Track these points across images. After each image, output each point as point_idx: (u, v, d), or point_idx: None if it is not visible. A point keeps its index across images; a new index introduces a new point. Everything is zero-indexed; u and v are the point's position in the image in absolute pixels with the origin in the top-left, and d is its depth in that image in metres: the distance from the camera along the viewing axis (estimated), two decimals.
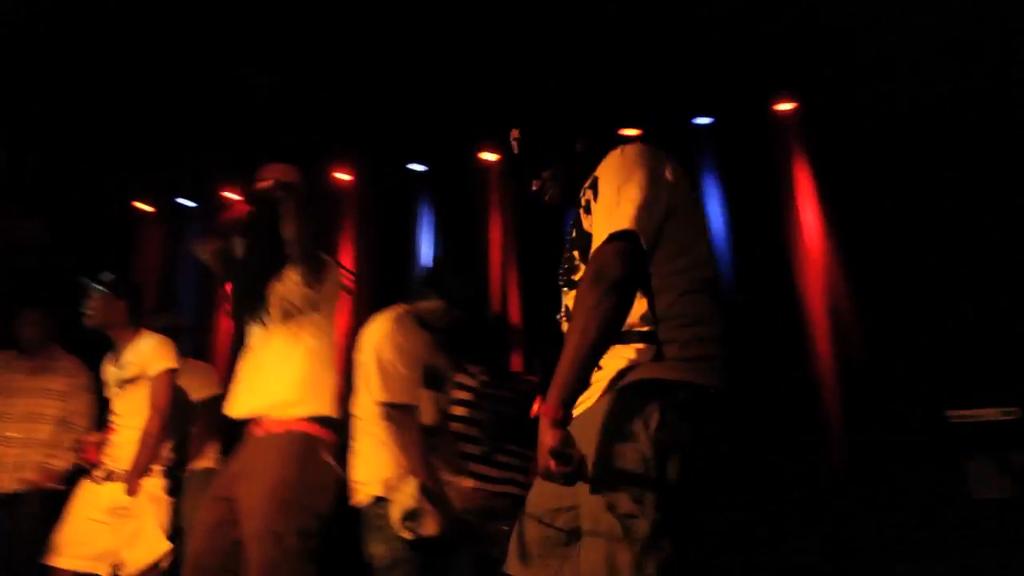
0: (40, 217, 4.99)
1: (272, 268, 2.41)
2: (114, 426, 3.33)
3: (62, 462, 3.74)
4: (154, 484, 3.26)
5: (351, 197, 5.27)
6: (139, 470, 3.18)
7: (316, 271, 2.39)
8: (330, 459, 2.34)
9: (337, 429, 2.41)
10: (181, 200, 5.66)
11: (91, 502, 3.21)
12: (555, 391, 1.47)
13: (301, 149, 4.89)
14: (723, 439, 1.59)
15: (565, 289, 1.77)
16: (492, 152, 4.93)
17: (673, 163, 1.69)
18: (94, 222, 5.41)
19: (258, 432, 2.35)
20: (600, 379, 1.60)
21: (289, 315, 2.38)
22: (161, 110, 4.60)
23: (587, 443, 1.51)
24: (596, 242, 1.56)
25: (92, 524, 3.18)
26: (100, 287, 3.30)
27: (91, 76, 4.27)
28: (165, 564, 3.21)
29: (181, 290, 5.53)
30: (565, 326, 1.72)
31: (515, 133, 1.95)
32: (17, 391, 3.78)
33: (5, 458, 3.69)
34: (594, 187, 1.66)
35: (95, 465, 3.27)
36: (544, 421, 1.46)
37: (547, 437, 1.44)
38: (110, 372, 3.40)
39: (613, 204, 1.58)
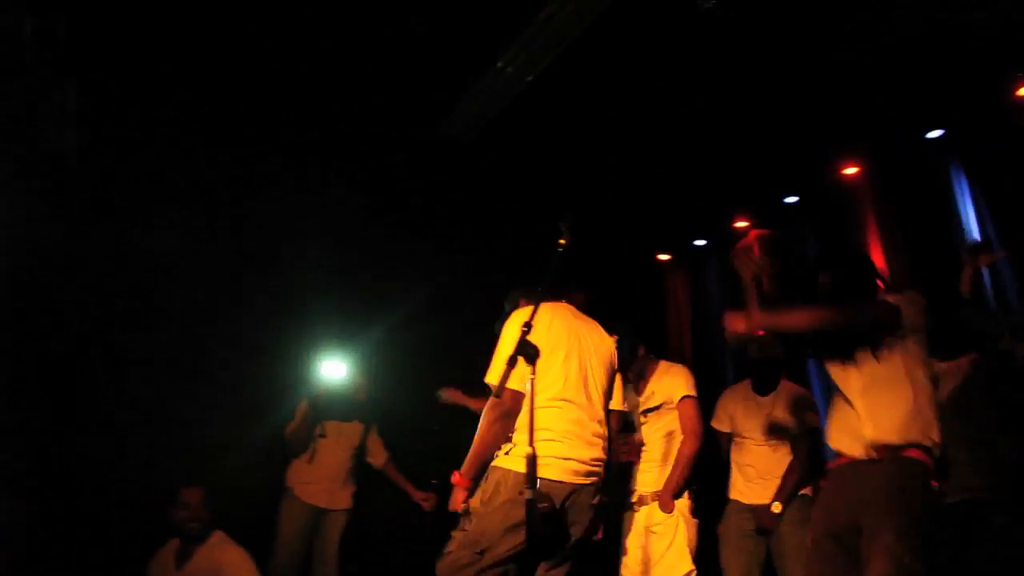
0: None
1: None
2: (642, 456, 3.49)
3: None
4: (684, 504, 3.30)
5: (864, 191, 4.70)
6: (673, 490, 3.26)
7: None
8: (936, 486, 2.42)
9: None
10: (697, 242, 5.84)
11: (634, 527, 3.38)
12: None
13: (802, 160, 4.73)
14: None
15: None
16: None
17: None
18: (626, 280, 5.89)
19: (866, 463, 2.47)
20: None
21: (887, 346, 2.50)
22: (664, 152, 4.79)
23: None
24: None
25: (638, 549, 3.34)
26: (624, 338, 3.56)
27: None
28: None
29: (716, 328, 5.64)
30: None
31: None
32: None
33: None
34: None
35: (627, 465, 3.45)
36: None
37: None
38: (631, 400, 3.57)
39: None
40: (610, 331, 3.54)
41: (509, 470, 2.42)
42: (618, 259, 5.65)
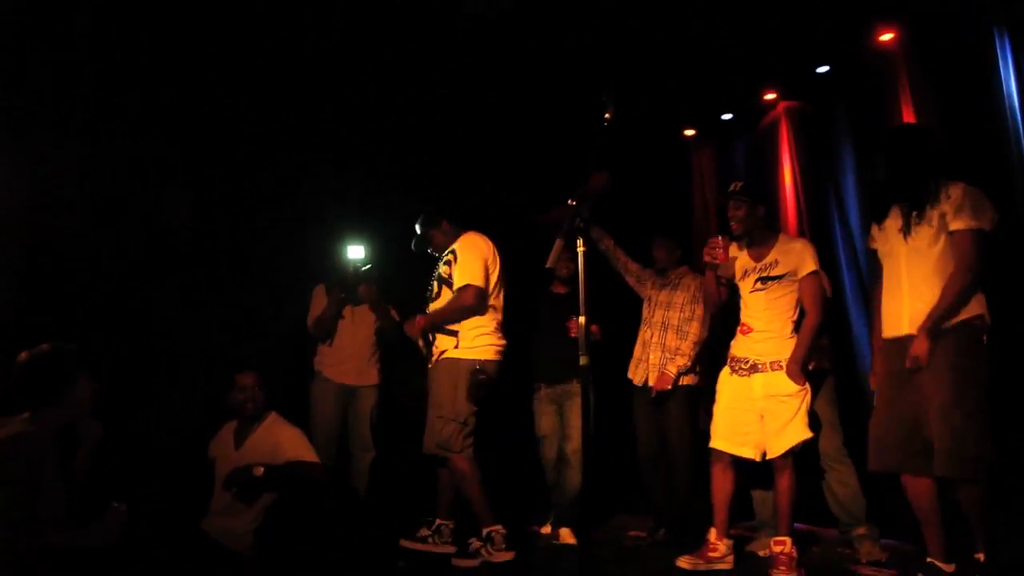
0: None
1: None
2: (749, 324, 3.58)
3: (674, 368, 4.18)
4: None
5: (898, 61, 4.56)
6: (800, 360, 3.39)
7: None
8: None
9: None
10: (724, 116, 5.73)
11: (742, 393, 3.53)
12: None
13: (834, 26, 4.55)
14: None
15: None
16: None
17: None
18: (649, 159, 5.83)
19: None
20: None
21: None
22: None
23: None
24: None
25: (746, 413, 3.49)
26: (740, 197, 3.58)
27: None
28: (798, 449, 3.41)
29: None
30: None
31: None
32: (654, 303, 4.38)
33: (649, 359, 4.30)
34: None
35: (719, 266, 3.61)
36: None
37: None
38: (746, 263, 3.64)
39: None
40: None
41: (460, 359, 3.69)
42: (644, 134, 5.57)
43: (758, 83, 5.31)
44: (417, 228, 4.07)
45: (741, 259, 3.66)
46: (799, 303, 3.51)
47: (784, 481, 3.44)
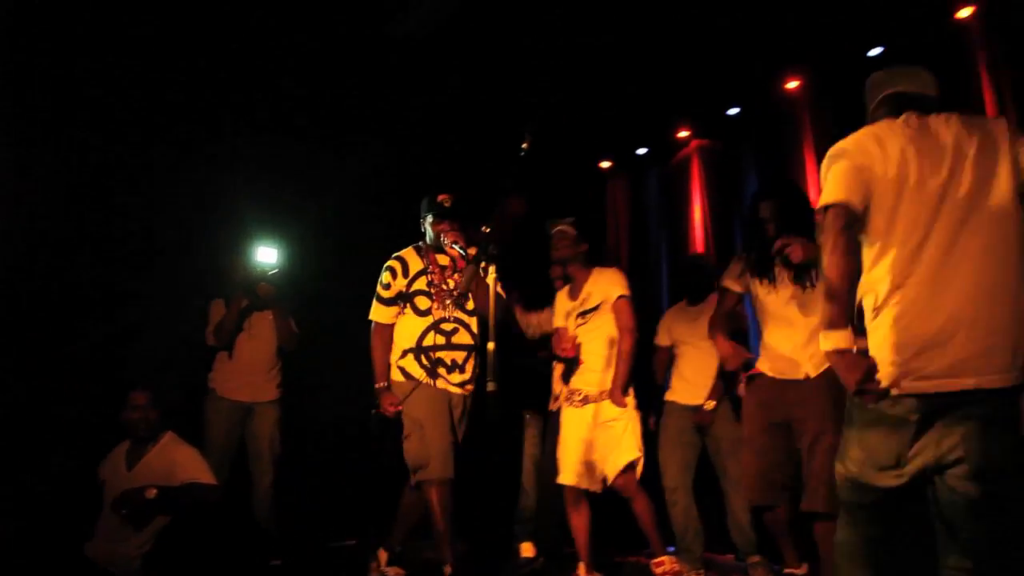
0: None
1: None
2: (580, 357, 3.65)
3: None
4: (631, 400, 3.53)
5: (803, 105, 4.81)
6: (621, 385, 3.47)
7: None
8: None
9: None
10: (639, 150, 5.89)
11: (579, 425, 3.57)
12: None
13: (746, 72, 4.77)
14: None
15: None
16: (968, 6, 4.00)
17: None
18: (565, 188, 5.93)
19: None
20: None
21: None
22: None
23: None
24: None
25: (583, 444, 3.55)
26: (564, 232, 3.69)
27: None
28: (639, 470, 3.45)
29: (651, 234, 5.82)
30: None
31: None
32: None
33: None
34: None
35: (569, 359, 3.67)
36: None
37: None
38: (566, 305, 3.75)
39: None
40: (553, 225, 3.75)
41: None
42: (561, 164, 5.66)
43: (672, 121, 5.50)
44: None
45: (561, 303, 3.79)
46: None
47: (637, 505, 3.53)
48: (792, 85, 4.84)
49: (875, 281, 1.95)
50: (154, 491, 3.26)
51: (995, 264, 1.86)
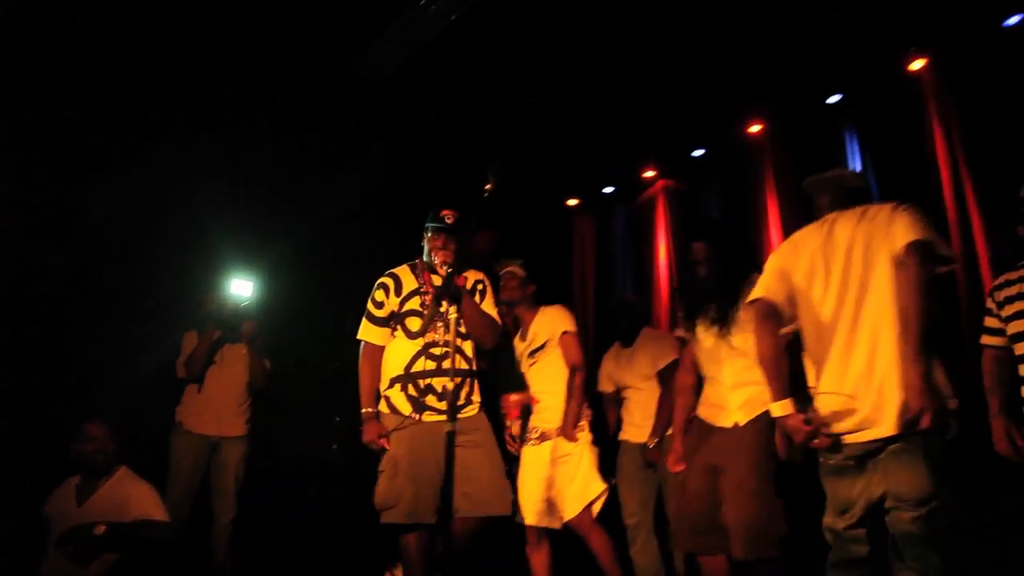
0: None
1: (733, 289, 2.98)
2: (536, 395, 3.65)
3: None
4: (585, 435, 3.53)
5: (764, 149, 4.94)
6: (572, 420, 3.47)
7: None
8: None
9: None
10: (606, 189, 5.98)
11: (537, 462, 3.56)
12: None
13: (710, 115, 4.89)
14: None
15: None
16: (920, 58, 4.16)
17: None
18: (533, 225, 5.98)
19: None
20: None
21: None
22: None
23: None
24: None
25: (542, 482, 3.53)
26: (513, 273, 3.75)
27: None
28: (596, 506, 3.42)
29: (616, 272, 5.88)
30: None
31: None
32: None
33: None
34: None
35: (515, 421, 3.67)
36: None
37: None
38: (519, 347, 3.77)
39: None
40: (502, 266, 3.76)
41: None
42: (528, 201, 5.72)
43: (639, 161, 5.59)
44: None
45: (516, 346, 3.81)
46: None
47: (594, 542, 3.50)
48: (755, 129, 4.96)
49: (807, 362, 2.49)
50: (103, 527, 3.14)
51: (886, 340, 2.27)
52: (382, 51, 4.14)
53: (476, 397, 3.25)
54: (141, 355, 4.48)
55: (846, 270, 2.37)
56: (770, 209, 4.82)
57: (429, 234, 3.29)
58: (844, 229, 2.42)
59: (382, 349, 3.26)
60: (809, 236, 2.53)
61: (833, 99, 4.53)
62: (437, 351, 3.18)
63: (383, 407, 3.21)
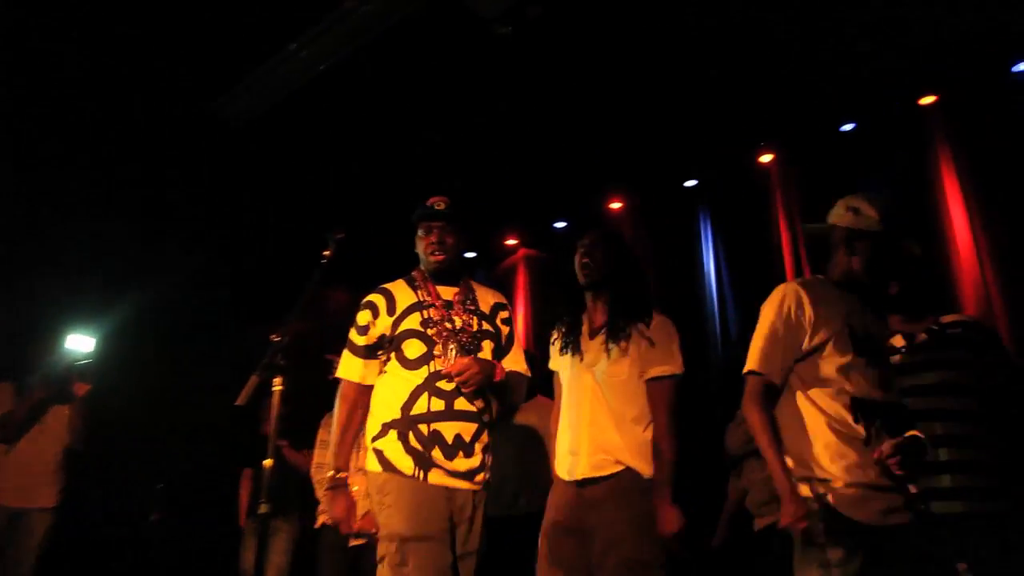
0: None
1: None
2: None
3: None
4: None
5: (625, 223, 5.10)
6: None
7: None
8: None
9: None
10: (467, 254, 5.93)
11: None
12: None
13: (574, 190, 5.01)
14: None
15: None
16: (769, 153, 4.49)
17: None
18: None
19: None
20: None
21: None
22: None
23: None
24: None
25: None
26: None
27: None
28: None
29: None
30: None
31: None
32: None
33: None
34: None
35: None
36: None
37: None
38: None
39: None
40: None
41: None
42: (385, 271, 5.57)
43: (501, 229, 5.63)
44: None
45: None
46: None
47: None
48: (615, 205, 5.18)
49: None
50: None
51: None
52: (243, 95, 3.92)
53: (489, 458, 2.44)
54: None
55: None
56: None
57: (420, 232, 2.55)
58: None
59: (367, 390, 2.45)
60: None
61: (690, 183, 4.77)
62: (446, 386, 2.36)
63: (371, 463, 2.35)
